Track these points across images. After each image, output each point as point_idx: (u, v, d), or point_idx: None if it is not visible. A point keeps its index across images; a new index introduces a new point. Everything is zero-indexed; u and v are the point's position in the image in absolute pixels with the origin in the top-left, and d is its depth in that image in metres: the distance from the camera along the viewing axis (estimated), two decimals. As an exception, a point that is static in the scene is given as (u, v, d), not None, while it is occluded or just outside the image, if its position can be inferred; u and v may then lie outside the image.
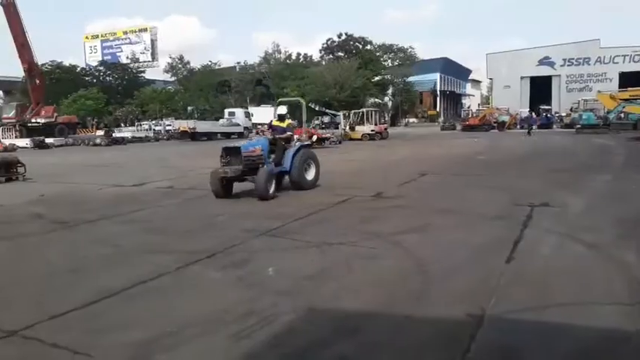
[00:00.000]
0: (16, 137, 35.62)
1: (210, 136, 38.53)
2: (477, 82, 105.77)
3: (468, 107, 76.40)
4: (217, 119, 45.72)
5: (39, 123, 38.57)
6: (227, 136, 39.29)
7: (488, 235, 6.59)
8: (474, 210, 8.35)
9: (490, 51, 76.33)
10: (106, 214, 8.73)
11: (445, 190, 11.16)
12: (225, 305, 4.32)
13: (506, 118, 47.59)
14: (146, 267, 5.42)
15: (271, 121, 11.44)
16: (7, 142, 31.68)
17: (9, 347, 3.65)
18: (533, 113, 52.37)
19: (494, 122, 46.33)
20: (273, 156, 10.23)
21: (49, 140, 34.57)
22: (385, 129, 36.43)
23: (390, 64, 68.58)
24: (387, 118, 52.77)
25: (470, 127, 44.85)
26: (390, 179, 12.45)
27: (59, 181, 14.04)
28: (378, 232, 6.79)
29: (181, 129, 38.97)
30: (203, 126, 40.17)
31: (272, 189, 9.59)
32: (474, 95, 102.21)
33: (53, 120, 39.87)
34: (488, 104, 69.12)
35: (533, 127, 36.76)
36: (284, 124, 10.88)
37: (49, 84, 47.94)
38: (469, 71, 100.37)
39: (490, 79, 76.02)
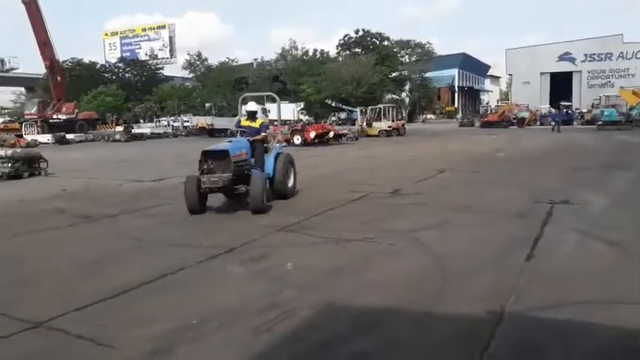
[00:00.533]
0: (38, 133, 36.31)
1: (224, 131, 38.73)
2: (495, 78, 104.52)
3: (487, 103, 75.65)
4: (235, 115, 45.87)
5: (60, 119, 39.27)
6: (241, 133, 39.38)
7: (508, 233, 6.55)
8: (493, 207, 8.29)
9: (509, 46, 75.13)
10: (127, 208, 8.88)
11: (464, 187, 11.09)
12: (246, 299, 4.38)
13: (525, 115, 46.91)
14: (167, 261, 5.51)
15: (239, 120, 9.58)
16: (29, 137, 32.29)
17: (35, 338, 3.75)
18: (553, 109, 51.57)
19: (514, 118, 45.73)
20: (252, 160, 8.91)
21: (69, 136, 35.19)
22: (402, 125, 36.26)
23: (407, 60, 68.06)
24: (404, 115, 52.45)
25: (489, 123, 44.36)
26: (408, 176, 12.40)
27: (80, 176, 14.28)
28: (396, 229, 6.79)
29: (199, 125, 39.33)
30: (221, 122, 40.44)
31: (266, 198, 8.25)
32: (492, 91, 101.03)
33: (74, 116, 40.55)
34: (508, 100, 68.24)
35: (554, 122, 36.10)
36: (256, 124, 9.16)
37: (70, 81, 48.68)
38: (488, 67, 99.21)
39: (509, 74, 74.93)
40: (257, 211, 7.81)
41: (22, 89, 66.48)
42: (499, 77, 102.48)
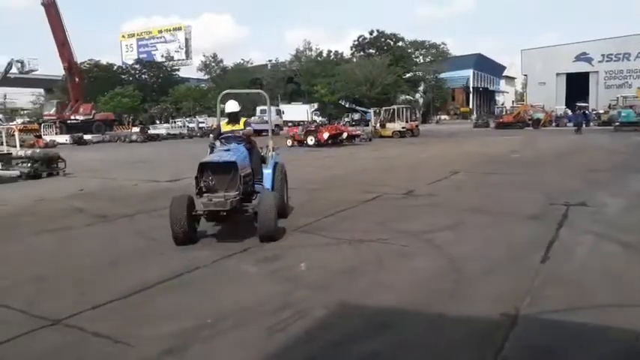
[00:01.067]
0: (56, 134, 36.86)
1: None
2: (511, 79, 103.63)
3: (502, 104, 74.93)
4: (249, 117, 46.22)
5: (78, 120, 39.85)
6: (258, 132, 39.69)
7: (523, 235, 6.51)
8: (507, 209, 8.24)
9: (525, 47, 74.47)
10: (143, 208, 8.99)
11: (478, 188, 11.02)
12: (260, 299, 4.42)
13: (541, 116, 46.42)
14: (183, 260, 5.58)
15: (218, 125, 7.88)
16: (47, 138, 32.81)
17: (53, 335, 3.83)
18: (569, 110, 50.93)
19: (529, 120, 45.29)
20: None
21: (87, 137, 35.68)
22: (416, 126, 36.13)
23: (421, 61, 67.87)
24: (418, 115, 52.23)
25: (503, 124, 43.99)
26: (421, 177, 12.37)
27: (97, 176, 14.48)
28: (409, 230, 6.79)
29: (214, 126, 39.55)
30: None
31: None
32: (508, 92, 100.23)
33: (91, 117, 41.12)
34: (523, 101, 67.60)
35: (576, 124, 35.67)
36: (240, 126, 7.52)
37: (88, 82, 49.40)
38: (503, 67, 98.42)
39: (525, 75, 74.23)
40: (268, 238, 6.18)
41: (41, 90, 67.61)
42: (514, 78, 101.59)
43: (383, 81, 50.21)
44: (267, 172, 7.52)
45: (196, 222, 6.43)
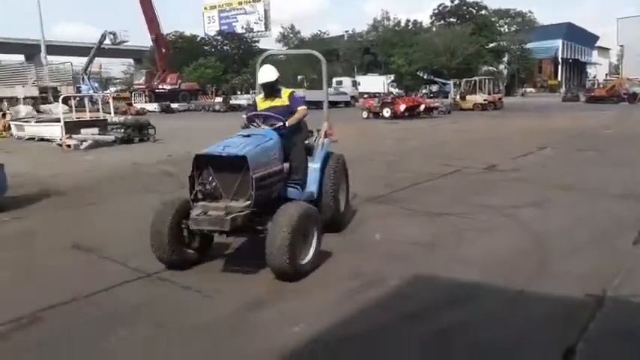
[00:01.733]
0: (145, 102, 39.06)
1: (318, 104, 39.20)
2: (604, 50, 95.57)
3: (594, 77, 69.68)
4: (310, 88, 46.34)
5: (165, 89, 41.88)
6: (334, 104, 39.98)
7: (614, 214, 6.14)
8: (597, 187, 7.78)
9: (621, 15, 68.22)
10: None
11: (566, 164, 10.46)
12: (335, 265, 4.54)
13: (638, 90, 42.71)
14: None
15: (254, 102, 5.68)
16: (138, 106, 34.88)
17: (149, 285, 4.20)
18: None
19: (624, 94, 41.81)
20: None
21: (173, 105, 37.53)
22: (499, 99, 34.56)
23: (506, 30, 64.26)
24: (501, 88, 49.89)
25: (595, 98, 40.97)
26: (505, 152, 11.91)
27: (184, 143, 15.23)
28: (490, 205, 6.61)
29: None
30: (312, 95, 40.93)
31: (312, 252, 4.35)
32: (601, 64, 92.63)
33: (177, 87, 43.06)
34: (618, 74, 62.39)
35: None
36: (282, 100, 5.36)
37: (173, 53, 51.51)
38: (596, 38, 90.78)
39: (621, 46, 68.31)
40: (282, 276, 4.09)
41: (131, 61, 71.42)
42: (608, 49, 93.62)
43: (464, 51, 48.31)
44: (315, 166, 5.32)
45: (192, 237, 4.41)
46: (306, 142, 5.46)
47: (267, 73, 5.31)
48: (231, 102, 40.73)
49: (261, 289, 4.05)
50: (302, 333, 3.30)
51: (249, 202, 4.22)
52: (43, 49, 42.27)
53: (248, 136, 4.71)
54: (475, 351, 3.12)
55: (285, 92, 5.41)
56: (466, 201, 6.91)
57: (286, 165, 4.99)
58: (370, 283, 4.11)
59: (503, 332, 3.36)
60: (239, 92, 54.26)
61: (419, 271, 4.37)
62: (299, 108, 5.29)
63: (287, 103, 5.31)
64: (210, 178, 4.35)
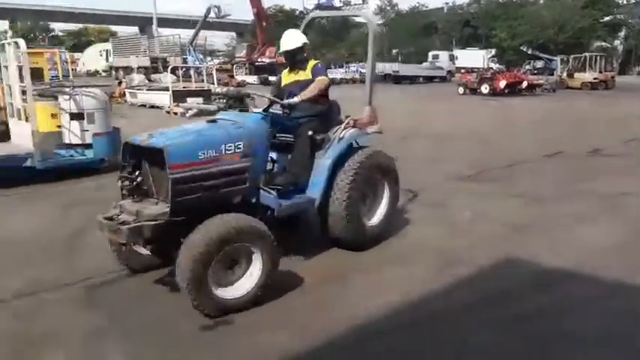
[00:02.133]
0: (245, 74, 40.59)
1: (412, 79, 38.66)
2: None
3: None
4: (420, 62, 45.27)
5: (264, 62, 43.14)
6: (429, 79, 39.17)
7: None
8: None
9: None
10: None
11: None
12: (423, 240, 4.62)
13: None
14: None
15: (279, 77, 4.80)
16: (239, 78, 36.33)
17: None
18: None
19: None
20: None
21: (272, 78, 38.59)
22: (612, 77, 31.71)
23: (624, 2, 58.19)
24: (614, 65, 45.66)
25: None
26: (613, 135, 11.10)
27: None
28: (593, 191, 6.30)
29: (385, 72, 39.93)
30: (406, 69, 40.32)
31: (249, 286, 3.35)
32: None
33: (275, 60, 44.18)
34: None
35: None
36: (305, 74, 4.38)
37: (273, 26, 52.70)
38: None
39: None
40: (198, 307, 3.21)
41: (234, 34, 74.09)
42: None
43: (575, 25, 44.62)
44: (323, 163, 4.12)
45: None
46: (331, 133, 4.23)
47: (288, 40, 4.39)
48: (324, 76, 41.26)
49: (335, 262, 4.19)
50: (386, 306, 3.40)
51: (166, 208, 3.27)
52: (154, 21, 45.18)
53: (214, 121, 3.82)
54: (555, 338, 3.04)
55: (311, 64, 4.39)
56: (566, 185, 6.62)
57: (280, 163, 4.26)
58: (456, 261, 4.14)
59: (587, 322, 3.26)
60: (332, 67, 54.55)
61: (507, 254, 4.31)
62: (318, 78, 4.24)
63: (310, 76, 4.34)
64: (138, 172, 3.49)
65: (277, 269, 3.46)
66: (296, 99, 4.09)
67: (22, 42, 6.99)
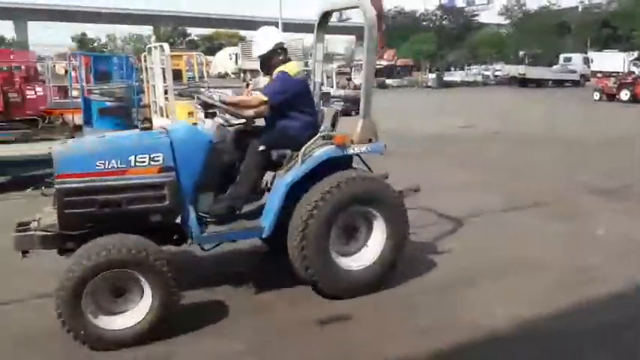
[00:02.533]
0: (364, 77, 41.18)
1: (540, 83, 36.35)
2: None
3: None
4: (550, 65, 42.38)
5: (382, 65, 43.31)
6: (559, 83, 36.55)
7: None
8: None
9: None
10: (430, 149, 9.81)
11: None
12: (549, 255, 4.37)
13: None
14: (469, 202, 5.91)
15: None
16: (357, 81, 36.88)
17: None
18: None
19: None
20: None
21: (388, 81, 38.80)
22: None
23: None
24: None
25: None
26: None
27: (391, 117, 15.76)
28: None
29: (510, 74, 38.12)
30: (534, 72, 38.00)
31: (142, 317, 3.01)
32: None
33: (393, 63, 44.17)
34: None
35: None
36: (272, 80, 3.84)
37: (391, 29, 52.69)
38: None
39: None
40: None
41: (353, 37, 75.29)
42: None
43: None
44: (281, 183, 3.45)
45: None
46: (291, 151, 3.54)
47: (259, 42, 3.84)
48: (444, 78, 40.43)
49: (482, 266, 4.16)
50: (511, 315, 3.32)
51: (52, 221, 3.10)
52: (280, 26, 47.47)
53: (146, 128, 3.61)
54: None
55: (277, 70, 3.72)
56: None
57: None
58: (587, 277, 3.90)
59: None
60: (453, 68, 53.06)
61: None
62: (255, 94, 3.75)
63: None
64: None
65: (177, 301, 3.00)
66: (215, 96, 3.53)
67: (166, 46, 7.82)
